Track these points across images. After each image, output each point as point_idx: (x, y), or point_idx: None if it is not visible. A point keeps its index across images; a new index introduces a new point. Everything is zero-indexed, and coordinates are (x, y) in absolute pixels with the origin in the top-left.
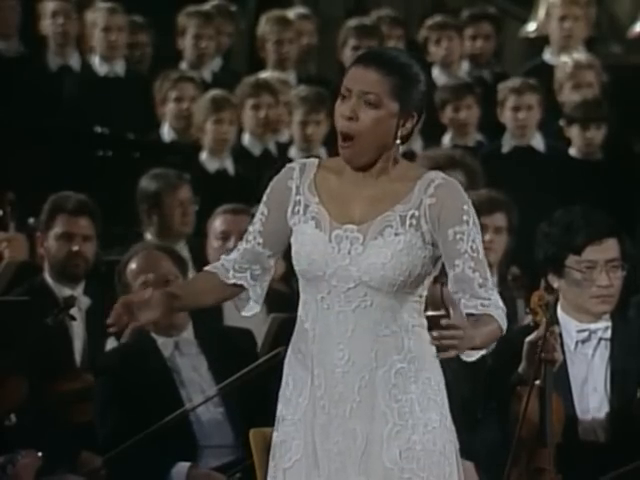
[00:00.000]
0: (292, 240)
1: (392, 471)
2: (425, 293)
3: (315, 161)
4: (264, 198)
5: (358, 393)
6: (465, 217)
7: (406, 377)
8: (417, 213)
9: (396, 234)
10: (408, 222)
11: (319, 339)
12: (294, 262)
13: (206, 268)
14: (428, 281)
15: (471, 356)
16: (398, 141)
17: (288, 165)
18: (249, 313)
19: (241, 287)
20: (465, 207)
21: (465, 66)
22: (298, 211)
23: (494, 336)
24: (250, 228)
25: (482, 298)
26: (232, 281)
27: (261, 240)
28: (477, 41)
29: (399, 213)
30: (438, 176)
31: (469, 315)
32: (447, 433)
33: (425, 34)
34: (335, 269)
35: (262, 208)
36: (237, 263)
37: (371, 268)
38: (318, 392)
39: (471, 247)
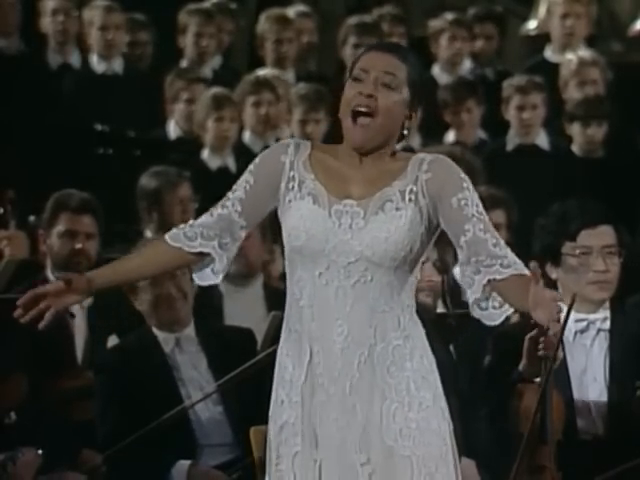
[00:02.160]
0: (286, 216)
1: (392, 448)
2: (419, 276)
3: (309, 142)
4: (251, 167)
5: (357, 369)
6: (464, 184)
7: (402, 354)
8: (415, 188)
9: (397, 209)
10: (407, 197)
11: (317, 316)
12: (290, 239)
13: (165, 236)
14: (421, 262)
15: (496, 319)
16: (406, 132)
17: (281, 141)
18: (206, 282)
19: (202, 256)
20: (462, 175)
21: (467, 64)
22: (292, 187)
23: None
24: (230, 195)
25: (500, 257)
26: (198, 249)
27: (239, 208)
28: (481, 41)
29: (398, 188)
30: (427, 155)
31: (494, 281)
32: (441, 413)
33: (438, 28)
34: (335, 244)
35: (247, 177)
36: (206, 229)
37: (374, 242)
38: (317, 369)
39: (477, 210)
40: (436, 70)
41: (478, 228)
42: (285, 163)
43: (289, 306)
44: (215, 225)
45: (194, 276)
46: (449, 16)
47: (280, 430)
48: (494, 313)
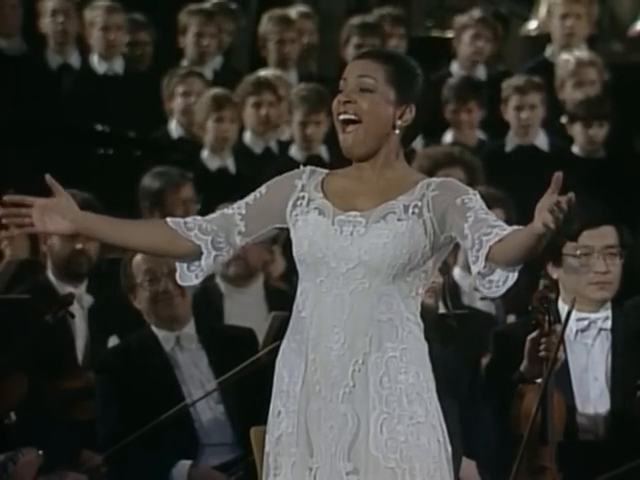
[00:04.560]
0: (294, 230)
1: (377, 459)
2: (421, 291)
3: (325, 170)
4: (267, 183)
5: (352, 378)
6: (471, 192)
7: (397, 367)
8: (420, 204)
9: (399, 219)
10: (411, 210)
11: (316, 323)
12: (296, 249)
13: (167, 219)
14: (424, 278)
15: (497, 292)
16: (397, 131)
17: (299, 168)
18: (185, 282)
19: (192, 252)
20: (469, 188)
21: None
22: (300, 204)
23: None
24: (239, 201)
25: (499, 226)
26: (191, 238)
27: (244, 212)
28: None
29: (402, 202)
30: (437, 179)
31: (495, 245)
32: (433, 431)
33: (463, 24)
34: (336, 250)
35: (260, 189)
36: (206, 223)
37: (372, 247)
38: (314, 377)
39: (480, 207)
40: (455, 67)
41: (480, 212)
42: (297, 186)
43: (292, 320)
44: (215, 221)
45: (177, 270)
46: (476, 13)
47: (277, 441)
48: (496, 291)
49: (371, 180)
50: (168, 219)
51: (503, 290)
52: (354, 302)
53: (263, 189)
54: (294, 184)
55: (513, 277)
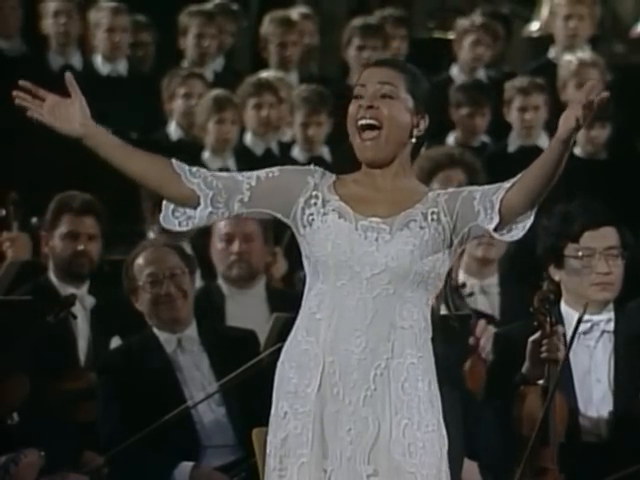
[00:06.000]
0: (309, 230)
1: (399, 463)
2: (433, 300)
3: (334, 174)
4: (279, 167)
5: (373, 381)
6: (476, 186)
7: (415, 374)
8: (436, 210)
9: (421, 227)
10: (430, 217)
11: (336, 326)
12: (315, 249)
13: (172, 160)
14: (438, 286)
15: (515, 236)
16: (413, 140)
17: (312, 166)
18: (167, 225)
19: (186, 198)
20: (473, 186)
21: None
22: (315, 203)
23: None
24: (251, 172)
25: (505, 182)
26: (192, 187)
27: (253, 183)
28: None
29: (420, 210)
30: (444, 190)
31: (506, 195)
32: (442, 440)
33: (464, 29)
34: (360, 255)
35: (273, 169)
36: (212, 177)
37: (400, 254)
38: (332, 379)
39: (484, 186)
40: (454, 71)
41: (485, 188)
42: (309, 183)
43: (301, 320)
44: (222, 180)
45: (162, 212)
46: (477, 19)
47: (283, 442)
48: (517, 237)
49: (385, 188)
50: (173, 160)
51: (523, 233)
52: (377, 307)
53: (276, 172)
54: (307, 180)
55: (530, 221)
